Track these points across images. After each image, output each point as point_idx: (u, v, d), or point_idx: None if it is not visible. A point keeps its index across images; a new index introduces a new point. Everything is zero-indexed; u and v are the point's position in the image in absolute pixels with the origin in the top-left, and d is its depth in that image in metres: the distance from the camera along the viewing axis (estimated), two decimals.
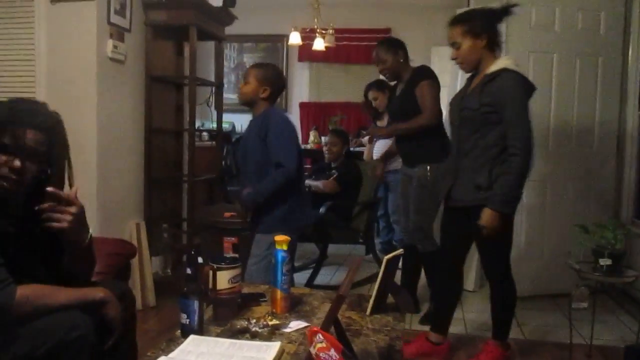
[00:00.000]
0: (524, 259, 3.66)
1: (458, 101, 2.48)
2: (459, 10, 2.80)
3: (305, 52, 6.48)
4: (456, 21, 2.41)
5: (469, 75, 2.54)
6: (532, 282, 3.69)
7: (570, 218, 3.69)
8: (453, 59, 2.44)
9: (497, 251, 2.50)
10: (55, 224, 1.46)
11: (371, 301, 1.76)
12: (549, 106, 3.66)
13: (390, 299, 1.84)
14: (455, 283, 2.69)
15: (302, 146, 6.04)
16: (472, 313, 3.42)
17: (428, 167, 3.06)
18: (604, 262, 2.57)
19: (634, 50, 3.76)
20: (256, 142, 2.60)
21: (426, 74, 3.10)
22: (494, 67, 2.33)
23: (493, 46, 2.39)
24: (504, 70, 2.30)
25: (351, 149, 4.66)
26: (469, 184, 2.40)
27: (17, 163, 1.46)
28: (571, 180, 3.73)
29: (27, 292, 1.39)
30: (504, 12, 2.41)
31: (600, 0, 3.69)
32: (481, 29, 2.36)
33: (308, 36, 5.94)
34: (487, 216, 2.30)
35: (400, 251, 1.89)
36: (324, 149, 4.50)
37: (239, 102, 2.77)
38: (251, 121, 2.77)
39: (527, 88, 2.32)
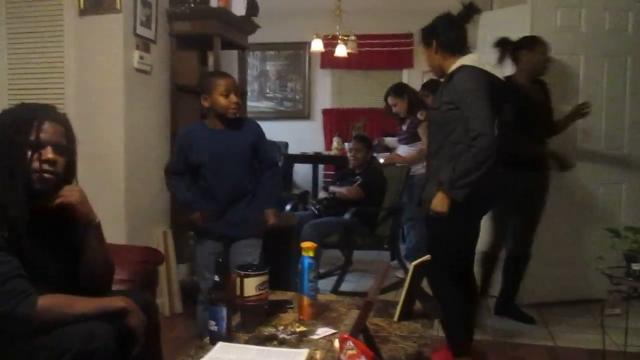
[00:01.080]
0: (554, 264, 3.60)
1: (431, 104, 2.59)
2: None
3: (328, 59, 6.50)
4: (421, 31, 2.53)
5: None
6: (563, 287, 3.62)
7: (602, 222, 3.62)
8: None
9: (445, 253, 2.35)
10: (65, 200, 1.49)
11: (399, 307, 1.75)
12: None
13: (417, 305, 1.83)
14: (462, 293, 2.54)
15: (326, 152, 6.14)
16: (499, 319, 3.36)
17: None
18: (637, 266, 2.50)
19: None
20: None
21: None
22: (454, 66, 2.38)
23: (447, 49, 2.41)
24: (461, 68, 2.34)
25: (374, 154, 4.65)
26: (434, 184, 2.38)
27: (50, 155, 1.47)
28: (602, 183, 3.66)
29: (47, 302, 1.39)
30: (463, 16, 2.44)
31: (627, 0, 3.62)
32: (428, 37, 2.47)
33: (330, 43, 5.95)
34: (436, 199, 2.32)
35: (427, 257, 1.87)
36: (348, 155, 4.49)
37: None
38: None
39: (486, 81, 2.30)
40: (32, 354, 1.38)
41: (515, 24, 3.72)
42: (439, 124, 2.40)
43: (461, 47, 2.43)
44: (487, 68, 2.37)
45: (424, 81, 5.00)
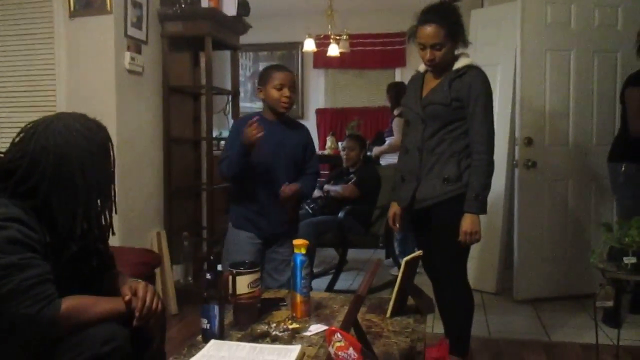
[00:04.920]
0: (547, 259, 3.62)
1: (416, 100, 2.38)
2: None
3: (320, 59, 6.51)
4: (438, 21, 2.22)
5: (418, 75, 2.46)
6: (555, 283, 3.64)
7: (593, 217, 3.65)
8: (430, 60, 2.26)
9: (458, 254, 2.35)
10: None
11: (391, 303, 1.76)
12: (567, 104, 3.62)
13: (410, 301, 1.83)
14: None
15: (320, 152, 6.15)
16: (494, 315, 3.38)
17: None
18: (629, 260, 2.52)
19: None
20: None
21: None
22: (459, 63, 2.29)
23: (460, 45, 2.32)
24: (470, 67, 2.28)
25: (368, 153, 4.67)
26: (436, 179, 2.30)
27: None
28: (593, 178, 3.67)
29: (71, 304, 1.39)
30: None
31: None
32: (456, 33, 2.25)
33: (322, 43, 5.96)
34: (468, 222, 2.23)
35: (419, 253, 1.88)
36: (342, 154, 4.51)
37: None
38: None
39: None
40: (49, 355, 1.38)
41: (505, 21, 3.75)
42: (445, 121, 2.30)
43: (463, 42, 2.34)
44: None
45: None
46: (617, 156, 3.21)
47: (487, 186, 2.27)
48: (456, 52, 2.32)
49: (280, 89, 2.49)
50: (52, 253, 1.43)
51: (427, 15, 2.24)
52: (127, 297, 1.47)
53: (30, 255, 1.36)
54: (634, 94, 3.07)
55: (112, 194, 1.57)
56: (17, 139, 1.48)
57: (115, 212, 1.59)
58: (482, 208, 2.26)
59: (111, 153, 1.54)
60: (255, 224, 2.55)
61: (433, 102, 2.31)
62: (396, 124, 4.50)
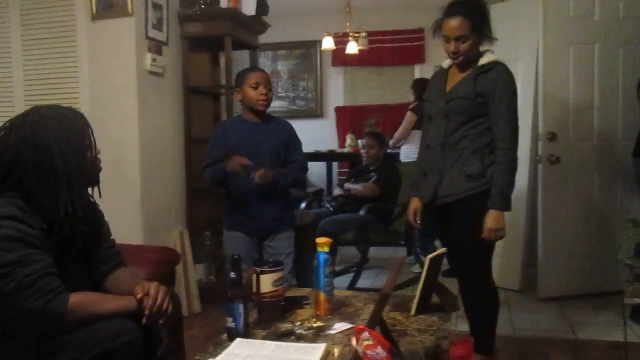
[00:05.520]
0: (571, 256, 3.56)
1: (440, 95, 2.36)
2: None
3: (339, 57, 6.49)
4: (463, 13, 2.22)
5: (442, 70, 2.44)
6: (581, 280, 3.58)
7: (619, 213, 3.58)
8: (454, 53, 2.25)
9: (482, 251, 2.33)
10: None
11: (415, 301, 1.74)
12: (591, 98, 3.55)
13: (434, 298, 1.82)
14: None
15: (339, 150, 6.14)
16: (518, 313, 3.34)
17: None
18: None
19: None
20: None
21: None
22: (484, 59, 2.27)
23: (484, 41, 2.31)
24: (495, 64, 2.26)
25: (388, 150, 4.64)
26: (459, 175, 2.27)
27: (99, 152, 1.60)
28: (619, 173, 3.60)
29: (78, 299, 1.42)
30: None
31: None
32: (482, 26, 2.25)
33: (341, 40, 5.94)
34: (492, 219, 2.21)
35: (443, 250, 1.86)
36: (362, 151, 4.50)
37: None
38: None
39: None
40: (60, 350, 1.40)
41: (527, 15, 3.69)
42: (469, 115, 2.28)
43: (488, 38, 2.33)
44: None
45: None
46: None
47: (511, 183, 2.25)
48: (481, 49, 2.30)
49: (256, 88, 2.58)
50: (49, 243, 1.45)
51: (453, 8, 2.25)
52: (139, 295, 1.48)
53: (30, 252, 1.38)
54: None
55: (96, 178, 1.59)
56: None
57: (100, 196, 1.63)
58: (506, 205, 2.24)
59: (91, 137, 1.55)
60: (243, 224, 2.64)
61: (457, 97, 2.29)
62: (405, 118, 4.54)
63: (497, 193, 2.22)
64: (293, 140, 2.71)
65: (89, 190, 1.60)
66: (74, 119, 1.54)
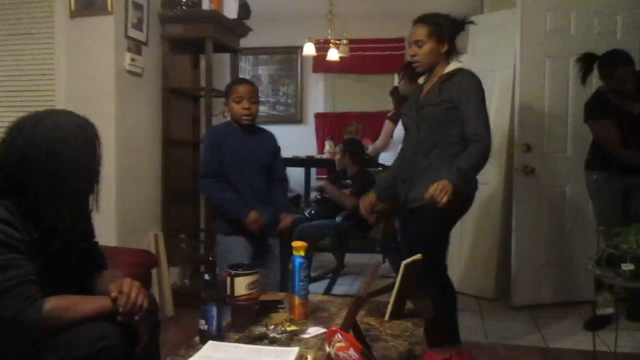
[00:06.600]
0: (544, 266, 3.62)
1: (412, 107, 2.51)
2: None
3: (320, 63, 6.51)
4: (424, 21, 2.43)
5: (419, 83, 2.59)
6: (553, 289, 3.64)
7: (591, 224, 3.64)
8: (412, 56, 2.45)
9: (436, 242, 2.41)
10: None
11: (389, 307, 1.75)
12: (566, 110, 3.63)
13: (408, 305, 1.83)
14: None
15: (318, 156, 6.14)
16: (491, 321, 3.38)
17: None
18: (626, 267, 2.52)
19: None
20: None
21: None
22: (449, 68, 2.42)
23: (451, 54, 2.46)
24: (459, 70, 2.40)
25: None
26: (429, 183, 2.26)
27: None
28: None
29: (52, 305, 1.38)
30: (464, 24, 2.49)
31: (616, 4, 3.65)
32: (446, 36, 2.42)
33: (322, 47, 5.97)
34: (440, 184, 2.15)
35: (418, 256, 1.87)
36: (335, 158, 4.48)
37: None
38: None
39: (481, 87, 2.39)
40: (39, 355, 1.37)
41: (505, 28, 3.76)
42: (437, 122, 2.38)
43: (456, 56, 2.49)
44: None
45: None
46: (590, 165, 3.31)
47: (475, 167, 2.29)
48: (450, 62, 2.44)
49: (239, 102, 2.65)
50: (37, 251, 1.42)
51: (418, 18, 2.47)
52: (113, 294, 1.46)
53: (13, 256, 1.35)
54: (597, 127, 3.22)
55: (97, 191, 1.57)
56: (4, 135, 1.47)
57: (97, 211, 1.59)
58: (458, 181, 2.20)
59: (98, 151, 1.54)
60: (244, 228, 2.66)
61: (425, 104, 2.42)
62: (384, 127, 4.57)
63: (455, 168, 2.24)
64: (277, 150, 2.85)
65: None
66: (88, 130, 1.52)
